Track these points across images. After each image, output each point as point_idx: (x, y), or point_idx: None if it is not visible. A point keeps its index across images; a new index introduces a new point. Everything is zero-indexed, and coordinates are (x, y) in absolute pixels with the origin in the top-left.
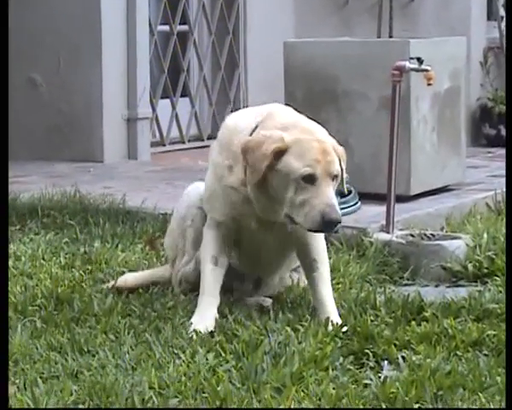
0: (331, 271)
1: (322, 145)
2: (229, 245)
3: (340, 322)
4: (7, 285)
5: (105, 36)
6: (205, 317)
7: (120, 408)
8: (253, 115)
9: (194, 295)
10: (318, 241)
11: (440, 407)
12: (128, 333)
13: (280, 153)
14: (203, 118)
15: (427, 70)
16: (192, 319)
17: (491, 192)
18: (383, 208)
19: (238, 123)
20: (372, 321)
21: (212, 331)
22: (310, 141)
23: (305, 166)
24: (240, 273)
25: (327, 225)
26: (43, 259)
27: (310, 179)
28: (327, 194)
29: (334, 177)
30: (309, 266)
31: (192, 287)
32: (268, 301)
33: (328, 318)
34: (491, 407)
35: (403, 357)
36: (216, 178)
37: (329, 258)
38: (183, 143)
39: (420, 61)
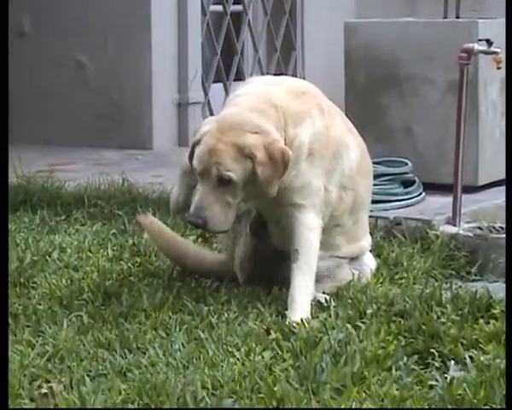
0: (394, 265)
1: (214, 145)
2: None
3: (294, 323)
4: (7, 283)
5: (155, 16)
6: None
7: (172, 408)
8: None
9: (252, 287)
10: (303, 232)
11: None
12: (179, 329)
13: (195, 145)
14: None
15: (496, 53)
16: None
17: None
18: (449, 200)
19: None
20: (438, 319)
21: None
22: (210, 137)
23: (196, 162)
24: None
25: (190, 224)
26: (90, 251)
27: (199, 174)
28: (199, 194)
29: (222, 179)
30: (292, 256)
31: (249, 270)
32: (326, 297)
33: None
34: None
35: (470, 357)
36: None
37: (392, 251)
38: None
39: (489, 42)
